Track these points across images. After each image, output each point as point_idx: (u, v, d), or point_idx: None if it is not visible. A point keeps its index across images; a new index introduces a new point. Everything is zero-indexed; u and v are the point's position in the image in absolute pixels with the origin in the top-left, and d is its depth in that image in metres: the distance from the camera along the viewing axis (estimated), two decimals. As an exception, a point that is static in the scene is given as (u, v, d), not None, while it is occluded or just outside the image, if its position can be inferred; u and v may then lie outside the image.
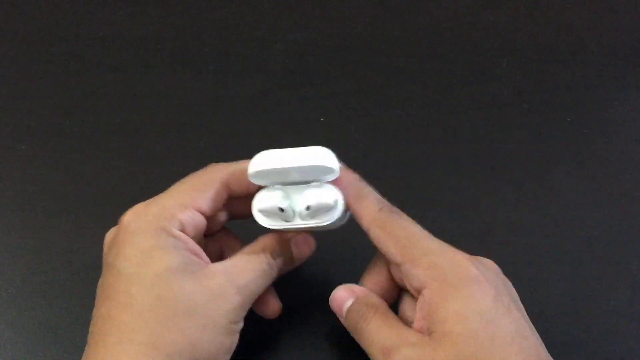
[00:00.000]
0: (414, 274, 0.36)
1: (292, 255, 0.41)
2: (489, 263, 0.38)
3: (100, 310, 0.36)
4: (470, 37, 0.61)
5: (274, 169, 0.37)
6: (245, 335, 0.39)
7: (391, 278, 0.40)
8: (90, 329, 0.37)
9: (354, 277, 0.47)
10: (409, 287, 0.38)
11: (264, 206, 0.39)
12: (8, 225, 0.51)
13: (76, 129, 0.55)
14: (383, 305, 0.39)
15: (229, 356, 0.38)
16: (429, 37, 0.61)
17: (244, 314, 0.38)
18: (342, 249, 0.49)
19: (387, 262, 0.40)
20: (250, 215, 0.43)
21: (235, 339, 0.38)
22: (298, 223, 0.39)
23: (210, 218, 0.40)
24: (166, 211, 0.37)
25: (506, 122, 0.56)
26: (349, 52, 0.60)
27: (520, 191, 0.52)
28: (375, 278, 0.41)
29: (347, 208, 0.40)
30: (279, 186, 0.39)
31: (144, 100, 0.57)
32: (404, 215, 0.39)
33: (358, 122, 0.55)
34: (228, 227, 0.44)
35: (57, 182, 0.53)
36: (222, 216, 0.42)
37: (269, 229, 0.41)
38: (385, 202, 0.39)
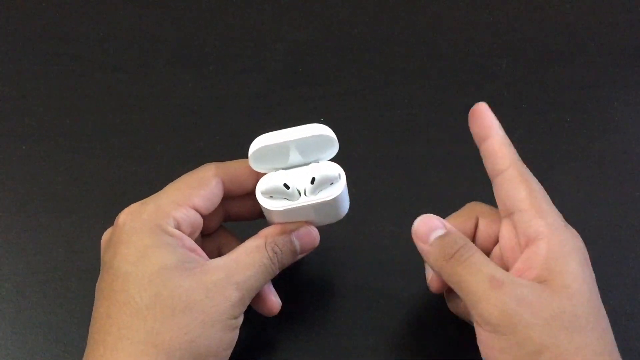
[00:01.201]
0: (536, 224, 0.37)
1: (294, 249, 0.40)
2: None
3: (99, 310, 0.36)
4: (470, 37, 0.61)
5: (274, 144, 0.38)
6: (245, 334, 0.39)
7: (473, 233, 0.41)
8: (90, 328, 0.37)
9: (354, 277, 0.48)
10: (507, 240, 0.39)
11: (268, 186, 0.39)
12: (8, 225, 0.51)
13: (76, 129, 0.56)
14: (470, 237, 0.39)
15: (229, 352, 0.38)
16: (429, 37, 0.61)
17: (243, 309, 0.38)
18: (341, 249, 0.49)
19: (476, 218, 0.41)
20: (248, 217, 0.43)
21: (235, 334, 0.38)
22: (303, 201, 0.39)
23: (206, 217, 0.40)
24: (161, 209, 0.38)
25: (506, 122, 0.56)
26: (349, 52, 0.60)
27: (520, 191, 0.52)
28: (460, 226, 0.41)
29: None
30: (281, 170, 0.39)
31: (144, 100, 0.57)
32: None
33: (358, 122, 0.55)
34: (226, 227, 0.44)
35: (57, 182, 0.53)
36: (219, 215, 0.42)
37: (270, 222, 0.41)
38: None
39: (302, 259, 0.42)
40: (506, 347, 0.34)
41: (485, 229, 0.41)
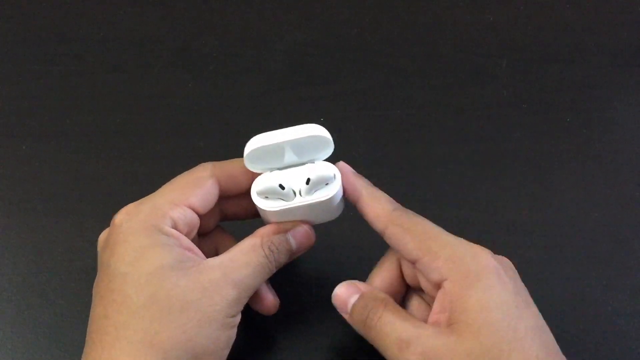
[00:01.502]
0: (434, 267, 0.36)
1: (290, 247, 0.40)
2: (504, 259, 0.38)
3: (97, 310, 0.36)
4: (470, 37, 0.61)
5: (269, 145, 0.38)
6: (244, 333, 0.39)
7: (400, 277, 0.41)
8: (88, 329, 0.37)
9: (352, 276, 0.48)
10: (424, 284, 0.38)
11: (263, 186, 0.39)
12: (8, 225, 0.51)
13: (76, 129, 0.56)
14: (392, 300, 0.39)
15: (227, 351, 0.38)
16: (429, 37, 0.61)
17: (240, 307, 0.38)
18: (340, 248, 0.49)
19: (398, 261, 0.40)
20: (244, 217, 0.43)
21: (233, 333, 0.38)
22: (299, 201, 0.39)
23: (203, 216, 0.40)
24: (157, 209, 0.38)
25: (506, 122, 0.56)
26: (349, 52, 0.60)
27: (520, 191, 0.52)
28: (384, 275, 0.41)
29: (344, 196, 0.40)
30: (277, 170, 0.40)
31: (144, 100, 0.57)
32: (417, 214, 0.39)
33: (358, 122, 0.55)
34: (223, 226, 0.44)
35: (57, 182, 0.53)
36: (215, 215, 0.42)
37: (266, 222, 0.41)
38: (396, 203, 0.40)
39: (301, 257, 0.42)
40: None
41: (408, 273, 0.40)
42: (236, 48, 0.60)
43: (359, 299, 0.39)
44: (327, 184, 0.39)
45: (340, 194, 0.40)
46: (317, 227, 0.41)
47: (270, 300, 0.42)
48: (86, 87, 0.58)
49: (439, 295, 0.37)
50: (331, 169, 0.39)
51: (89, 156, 0.54)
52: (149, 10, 0.63)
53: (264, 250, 0.39)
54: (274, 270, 0.40)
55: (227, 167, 0.40)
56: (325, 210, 0.40)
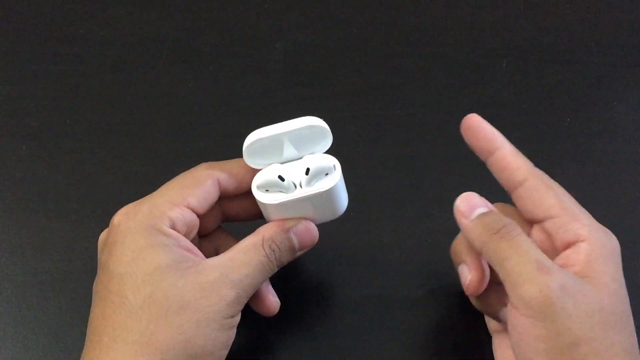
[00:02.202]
0: (573, 227, 0.37)
1: (293, 246, 0.40)
2: None
3: (96, 310, 0.36)
4: (470, 37, 0.61)
5: (267, 137, 0.38)
6: (243, 333, 0.39)
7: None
8: (87, 329, 0.37)
9: (353, 277, 0.48)
10: (547, 244, 0.38)
11: (263, 179, 0.39)
12: (8, 225, 0.51)
13: (76, 129, 0.56)
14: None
15: (225, 351, 0.38)
16: (429, 37, 0.61)
17: (240, 308, 0.38)
18: (342, 248, 0.49)
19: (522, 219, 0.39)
20: (246, 218, 0.43)
21: (232, 333, 0.38)
22: (299, 193, 0.39)
23: (203, 217, 0.40)
24: (156, 209, 0.38)
25: (506, 122, 0.56)
26: (349, 52, 0.60)
27: (520, 191, 0.52)
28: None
29: (463, 133, 0.40)
30: (277, 164, 0.40)
31: (144, 100, 0.57)
32: None
33: (358, 122, 0.55)
34: (224, 227, 0.44)
35: (57, 182, 0.53)
36: (216, 215, 0.42)
37: (268, 220, 0.41)
38: None
39: (301, 257, 0.42)
40: (543, 335, 0.34)
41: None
42: (236, 48, 0.60)
43: (490, 211, 0.38)
44: (327, 175, 0.39)
45: (342, 186, 0.40)
46: (319, 228, 0.41)
47: (271, 301, 0.42)
48: (86, 87, 0.58)
49: (566, 254, 0.36)
50: (331, 160, 0.39)
51: (89, 156, 0.54)
52: (149, 10, 0.63)
53: (264, 249, 0.38)
54: (275, 270, 0.40)
55: (227, 166, 0.40)
56: (327, 204, 0.40)
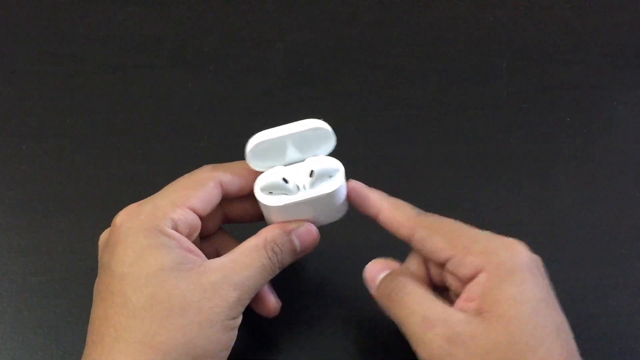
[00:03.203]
0: (467, 262, 0.36)
1: (295, 248, 0.40)
2: (535, 255, 0.38)
3: (97, 310, 0.36)
4: (470, 37, 0.61)
5: (271, 139, 0.38)
6: (244, 334, 0.39)
7: (427, 277, 0.40)
8: (88, 329, 0.37)
9: (353, 277, 0.48)
10: (452, 282, 0.38)
11: (266, 181, 0.39)
12: (8, 225, 0.51)
13: (76, 129, 0.56)
14: (423, 281, 0.39)
15: (227, 352, 0.38)
16: (429, 37, 0.61)
17: (241, 309, 0.38)
18: (341, 248, 0.49)
19: (424, 263, 0.40)
20: (247, 220, 0.43)
21: (233, 335, 0.38)
22: (302, 195, 0.39)
23: (205, 218, 0.40)
24: (158, 210, 0.37)
25: (506, 122, 0.56)
26: (349, 52, 0.60)
27: (520, 191, 0.52)
28: (413, 269, 0.40)
29: (348, 199, 0.40)
30: (280, 166, 0.40)
31: (144, 100, 0.57)
32: (441, 216, 0.39)
33: (358, 122, 0.55)
34: (224, 228, 0.44)
35: (57, 182, 0.53)
36: (217, 217, 0.42)
37: (270, 222, 0.40)
38: (418, 208, 0.40)
39: (302, 258, 0.42)
40: None
41: (434, 272, 0.40)
42: (236, 48, 0.60)
43: (391, 273, 0.39)
44: (330, 177, 0.39)
45: (344, 188, 0.40)
46: (320, 229, 0.41)
47: (272, 302, 0.42)
48: (86, 87, 0.58)
49: (469, 286, 0.36)
50: (335, 162, 0.39)
51: (89, 156, 0.54)
52: (149, 10, 0.63)
53: (266, 251, 0.38)
54: (277, 272, 0.40)
55: (230, 168, 0.40)
56: (329, 208, 0.40)
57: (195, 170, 0.40)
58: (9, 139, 0.55)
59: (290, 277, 0.46)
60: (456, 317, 0.35)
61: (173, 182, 0.40)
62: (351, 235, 0.49)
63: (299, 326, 0.46)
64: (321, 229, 0.41)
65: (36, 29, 0.62)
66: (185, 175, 0.40)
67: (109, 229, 0.39)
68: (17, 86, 0.58)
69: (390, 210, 0.40)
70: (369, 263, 0.41)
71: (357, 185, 0.40)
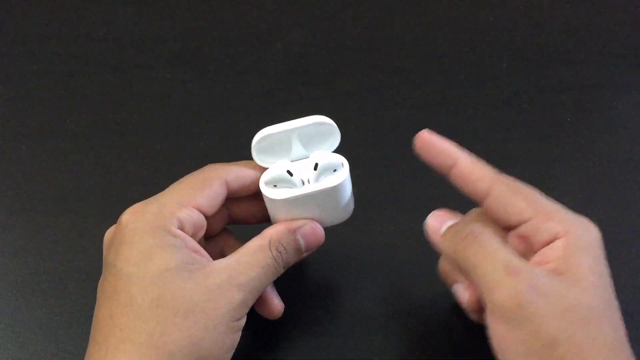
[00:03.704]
0: (547, 227, 0.36)
1: (299, 247, 0.40)
2: None
3: (102, 310, 0.36)
4: (470, 37, 0.61)
5: (276, 133, 0.38)
6: (247, 335, 0.39)
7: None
8: (92, 329, 0.37)
9: (355, 277, 0.48)
10: (518, 248, 0.37)
11: (272, 174, 0.39)
12: (8, 225, 0.51)
13: (76, 129, 0.55)
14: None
15: (231, 353, 0.38)
16: (429, 37, 0.61)
17: (246, 310, 0.38)
18: (343, 249, 0.49)
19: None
20: (252, 221, 0.43)
21: (237, 336, 0.38)
22: (307, 188, 0.39)
23: (210, 218, 0.40)
24: (165, 210, 0.37)
25: (506, 122, 0.56)
26: (349, 52, 0.60)
27: (520, 191, 0.52)
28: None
29: (418, 150, 0.40)
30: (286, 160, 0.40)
31: (144, 100, 0.57)
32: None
33: (358, 122, 0.55)
34: (228, 229, 0.44)
35: (57, 182, 0.53)
36: (222, 217, 0.42)
37: (274, 220, 0.40)
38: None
39: (306, 258, 0.42)
40: (520, 338, 0.34)
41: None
42: (236, 48, 0.60)
43: (460, 221, 0.39)
44: (335, 172, 0.39)
45: (349, 184, 0.40)
46: (324, 231, 0.41)
47: (275, 304, 0.42)
48: (86, 87, 0.58)
49: (543, 251, 0.36)
50: (339, 157, 0.39)
51: (89, 156, 0.54)
52: (149, 10, 0.63)
53: (271, 251, 0.38)
54: (282, 271, 0.39)
55: (236, 167, 0.40)
56: (334, 205, 0.40)
57: (201, 169, 0.40)
58: (9, 139, 0.55)
59: (294, 278, 0.46)
60: (538, 270, 0.35)
61: (179, 181, 0.40)
62: (352, 235, 0.49)
63: (303, 327, 0.45)
64: (326, 230, 0.41)
65: (36, 29, 0.62)
66: (191, 174, 0.40)
67: (113, 226, 0.39)
68: (17, 86, 0.58)
69: (470, 161, 0.39)
70: (430, 215, 0.40)
71: (430, 133, 0.40)
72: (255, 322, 0.42)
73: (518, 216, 0.37)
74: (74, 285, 0.48)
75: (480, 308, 0.38)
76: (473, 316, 0.41)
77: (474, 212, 0.40)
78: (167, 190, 0.39)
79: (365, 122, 0.56)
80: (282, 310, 0.42)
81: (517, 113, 0.56)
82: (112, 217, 0.39)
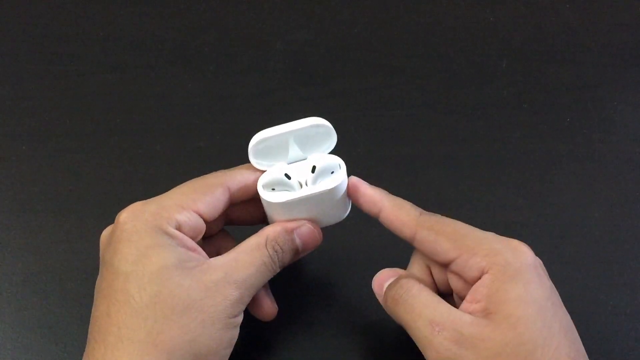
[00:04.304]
0: (472, 263, 0.36)
1: (296, 247, 0.40)
2: (537, 257, 0.38)
3: (99, 309, 0.36)
4: (470, 37, 0.61)
5: (272, 136, 0.38)
6: (245, 333, 0.39)
7: (432, 282, 0.41)
8: (90, 328, 0.37)
9: (353, 277, 0.48)
10: (456, 284, 0.38)
11: (269, 178, 0.39)
12: (8, 225, 0.51)
13: (76, 129, 0.56)
14: (429, 286, 0.39)
15: (229, 350, 0.38)
16: (429, 37, 0.61)
17: (243, 307, 0.38)
18: (341, 249, 0.49)
19: (427, 267, 0.40)
20: (250, 222, 0.43)
21: (235, 333, 0.38)
22: (304, 191, 0.39)
23: (209, 222, 0.40)
24: (164, 210, 0.37)
25: (506, 122, 0.56)
26: (349, 52, 0.60)
27: (520, 191, 0.52)
28: (420, 270, 0.41)
29: (349, 196, 0.40)
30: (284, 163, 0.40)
31: (144, 100, 0.57)
32: (443, 216, 0.39)
33: (358, 122, 0.55)
34: (225, 229, 0.44)
35: (57, 182, 0.53)
36: (220, 219, 0.42)
37: (272, 221, 0.40)
38: (420, 208, 0.40)
39: (304, 259, 0.42)
40: None
41: (437, 276, 0.40)
42: (236, 48, 0.60)
43: (398, 278, 0.39)
44: (332, 174, 0.39)
45: (345, 185, 0.40)
46: (323, 231, 0.41)
47: (268, 306, 0.42)
48: (86, 87, 0.58)
49: (474, 288, 0.36)
50: (336, 159, 0.39)
51: (89, 156, 0.54)
52: (149, 10, 0.63)
53: (268, 250, 0.39)
54: (278, 270, 0.40)
55: (239, 175, 0.40)
56: (331, 206, 0.40)
57: (205, 175, 0.40)
58: (9, 139, 0.55)
59: (291, 278, 0.46)
60: (463, 319, 0.35)
61: (182, 184, 0.40)
62: (352, 237, 0.49)
63: (300, 327, 0.46)
64: (323, 230, 0.41)
65: (36, 29, 0.62)
66: (195, 179, 0.40)
67: (111, 225, 0.39)
68: (17, 86, 0.58)
69: (392, 209, 0.40)
70: (377, 273, 0.41)
71: (358, 182, 0.40)
72: (254, 322, 0.42)
73: (444, 256, 0.38)
74: (74, 285, 0.48)
75: None
76: None
77: (412, 258, 0.41)
78: (168, 192, 0.39)
79: (365, 122, 0.56)
80: (276, 312, 0.42)
81: (517, 113, 0.56)
82: (112, 217, 0.39)
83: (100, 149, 0.54)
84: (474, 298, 0.36)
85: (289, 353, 0.45)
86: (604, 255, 0.49)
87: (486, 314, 0.35)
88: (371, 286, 0.41)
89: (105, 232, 0.39)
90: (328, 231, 0.42)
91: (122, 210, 0.38)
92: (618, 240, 0.49)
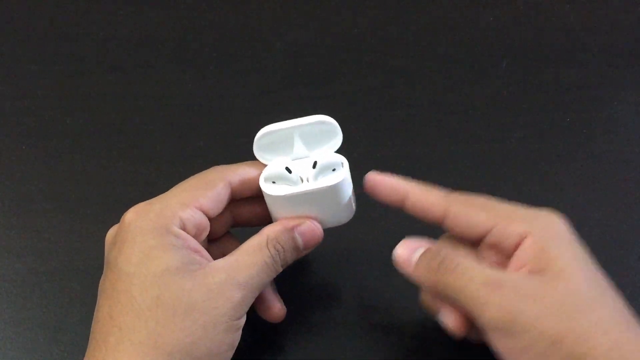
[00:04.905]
0: (511, 230, 0.36)
1: (297, 245, 0.40)
2: None
3: (102, 309, 0.36)
4: (470, 37, 0.61)
5: (278, 130, 0.38)
6: (246, 335, 0.39)
7: None
8: (92, 328, 0.37)
9: (355, 277, 0.48)
10: (492, 258, 0.38)
11: (270, 170, 0.39)
12: (8, 225, 0.51)
13: (76, 129, 0.56)
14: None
15: (231, 353, 0.38)
16: (429, 37, 0.61)
17: (246, 309, 0.38)
18: (343, 249, 0.49)
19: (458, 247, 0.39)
20: (255, 223, 0.43)
21: (238, 335, 0.38)
22: (306, 186, 0.39)
23: (213, 221, 0.40)
24: (167, 209, 0.38)
25: (506, 122, 0.56)
26: (349, 52, 0.60)
27: (520, 191, 0.52)
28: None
29: (366, 191, 0.40)
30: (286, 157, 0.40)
31: (144, 100, 0.57)
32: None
33: (358, 122, 0.55)
34: (231, 233, 0.44)
35: (57, 182, 0.53)
36: (226, 220, 0.42)
37: (274, 218, 0.40)
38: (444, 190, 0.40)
39: (304, 258, 0.42)
40: (524, 347, 0.34)
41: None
42: (236, 48, 0.60)
43: (428, 249, 0.39)
44: (334, 171, 0.39)
45: (348, 184, 0.40)
46: (325, 231, 0.41)
47: (277, 308, 0.42)
48: (86, 87, 0.58)
49: (517, 254, 0.36)
50: (338, 156, 0.40)
51: (89, 156, 0.54)
52: (149, 10, 0.63)
53: (269, 249, 0.38)
54: (280, 270, 0.39)
55: (240, 169, 0.40)
56: (333, 205, 0.40)
57: (205, 171, 0.40)
58: (9, 139, 0.55)
59: (295, 279, 0.46)
60: (520, 275, 0.35)
61: (183, 182, 0.40)
62: (352, 236, 0.49)
63: (303, 328, 0.45)
64: (326, 230, 0.41)
65: (36, 29, 0.62)
66: (195, 176, 0.40)
67: (116, 225, 0.39)
68: (17, 86, 0.58)
69: (420, 191, 0.39)
70: (399, 245, 0.40)
71: (378, 174, 0.40)
72: (256, 322, 0.42)
73: (480, 228, 0.38)
74: (74, 285, 0.48)
75: (471, 326, 0.38)
76: (463, 336, 0.40)
77: (443, 237, 0.41)
78: (170, 190, 0.39)
79: (365, 122, 0.56)
80: (284, 313, 0.42)
81: (517, 113, 0.56)
82: (112, 217, 0.39)
83: (100, 149, 0.54)
84: (519, 263, 0.36)
85: (291, 354, 0.45)
86: (604, 256, 0.49)
87: (537, 272, 0.35)
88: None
89: (111, 232, 0.39)
90: (331, 232, 0.42)
91: (127, 211, 0.38)
92: (618, 240, 0.49)
